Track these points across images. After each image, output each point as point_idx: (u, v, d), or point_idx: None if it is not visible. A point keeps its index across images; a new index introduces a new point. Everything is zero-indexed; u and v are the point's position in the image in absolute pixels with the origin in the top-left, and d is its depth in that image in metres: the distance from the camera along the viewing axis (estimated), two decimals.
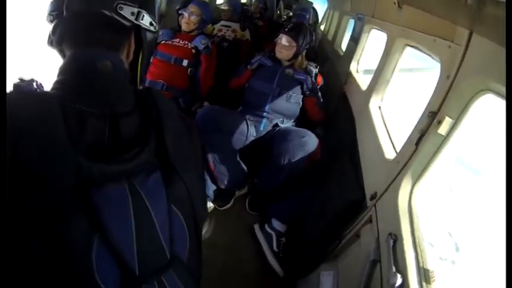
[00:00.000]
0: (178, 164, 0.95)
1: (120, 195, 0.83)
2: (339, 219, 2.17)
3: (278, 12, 8.24)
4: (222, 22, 4.59)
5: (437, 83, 1.61)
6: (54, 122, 0.78)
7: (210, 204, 2.97)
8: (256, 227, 2.82)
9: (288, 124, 3.23)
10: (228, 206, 3.06)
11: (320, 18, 8.11)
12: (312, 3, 8.53)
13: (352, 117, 2.85)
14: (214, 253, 2.62)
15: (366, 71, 3.33)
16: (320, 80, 3.30)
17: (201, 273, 1.10)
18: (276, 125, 3.18)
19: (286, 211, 2.80)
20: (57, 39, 0.98)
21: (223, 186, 2.97)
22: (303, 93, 3.20)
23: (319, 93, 3.26)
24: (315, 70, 3.25)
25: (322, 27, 8.10)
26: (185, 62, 3.34)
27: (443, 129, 1.45)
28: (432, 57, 1.84)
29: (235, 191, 3.13)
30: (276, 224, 2.76)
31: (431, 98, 1.63)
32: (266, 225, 2.78)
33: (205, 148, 2.82)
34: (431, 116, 1.54)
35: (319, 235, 2.35)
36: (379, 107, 2.58)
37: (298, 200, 2.81)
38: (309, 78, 3.18)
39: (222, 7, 5.02)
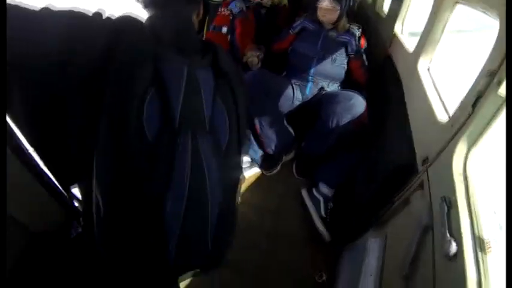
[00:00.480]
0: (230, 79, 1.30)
1: (180, 68, 1.17)
2: (388, 183, 2.12)
3: None
4: None
5: (497, 39, 1.49)
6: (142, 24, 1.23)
7: (257, 170, 3.00)
8: (304, 191, 2.84)
9: (333, 87, 3.15)
10: (276, 171, 3.08)
11: None
12: None
13: (399, 80, 2.74)
14: (262, 218, 2.70)
15: (411, 34, 3.19)
16: (364, 42, 3.18)
17: (237, 187, 1.46)
18: (322, 88, 3.11)
19: (334, 175, 2.80)
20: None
21: (270, 151, 3.00)
22: (347, 55, 3.10)
23: (364, 56, 3.15)
24: (358, 32, 3.14)
25: None
26: (224, 29, 3.32)
27: (503, 89, 1.37)
28: (487, 14, 1.72)
29: (283, 155, 3.14)
30: (324, 188, 2.76)
31: (489, 56, 1.49)
32: (314, 190, 2.79)
33: (253, 111, 2.86)
34: (490, 76, 1.45)
35: (367, 200, 2.34)
36: (428, 69, 2.48)
37: (346, 164, 2.80)
38: (353, 40, 3.07)
39: None
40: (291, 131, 3.05)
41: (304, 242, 2.57)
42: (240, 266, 2.39)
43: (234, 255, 2.43)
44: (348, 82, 3.23)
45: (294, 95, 3.07)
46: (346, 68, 3.15)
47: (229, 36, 3.33)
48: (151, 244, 1.17)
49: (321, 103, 2.92)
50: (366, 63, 3.17)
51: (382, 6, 4.01)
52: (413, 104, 2.35)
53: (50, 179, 1.98)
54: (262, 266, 2.42)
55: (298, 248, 2.54)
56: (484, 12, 1.72)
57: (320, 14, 3.06)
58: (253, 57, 3.20)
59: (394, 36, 3.13)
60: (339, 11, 3.00)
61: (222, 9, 3.35)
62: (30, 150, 1.84)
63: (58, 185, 2.05)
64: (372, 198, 2.29)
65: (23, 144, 1.80)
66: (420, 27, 2.51)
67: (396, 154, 2.23)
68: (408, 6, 3.17)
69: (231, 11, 3.32)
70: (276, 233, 2.61)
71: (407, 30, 3.13)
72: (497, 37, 1.48)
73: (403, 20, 3.15)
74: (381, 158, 2.44)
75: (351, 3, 3.07)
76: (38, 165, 1.88)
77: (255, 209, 2.76)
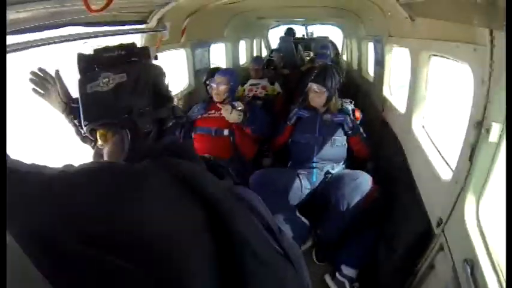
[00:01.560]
0: None
1: None
2: (410, 252, 2.03)
3: (299, 56, 8.28)
4: (251, 81, 4.61)
5: (474, 90, 1.50)
6: None
7: None
8: (327, 277, 2.70)
9: (338, 168, 3.16)
10: None
11: (340, 49, 8.12)
12: (327, 37, 8.60)
13: (398, 144, 2.74)
14: None
15: (401, 87, 3.23)
16: (358, 114, 3.26)
17: None
18: (328, 172, 3.11)
19: (355, 255, 2.68)
20: None
21: None
22: (345, 134, 3.14)
23: (361, 129, 3.19)
24: (351, 106, 3.23)
25: (344, 57, 8.07)
26: (226, 132, 3.33)
27: (494, 137, 1.34)
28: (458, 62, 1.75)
29: (300, 245, 3.00)
30: (347, 270, 2.63)
31: (472, 108, 1.51)
32: (337, 274, 2.66)
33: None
34: (478, 127, 1.43)
35: (391, 273, 2.22)
36: (423, 126, 2.47)
37: (365, 242, 2.70)
38: (348, 118, 3.14)
39: (251, 67, 5.08)
40: (305, 221, 2.99)
41: None
42: None
43: None
44: (351, 158, 3.25)
45: (302, 185, 3.06)
46: (346, 146, 3.18)
47: (231, 138, 3.35)
48: None
49: (329, 188, 2.91)
50: (364, 135, 3.19)
51: (367, 70, 4.12)
52: (416, 165, 2.35)
53: None
54: None
55: None
56: (456, 61, 1.74)
57: (310, 99, 3.17)
58: (234, 114, 3.18)
59: (385, 99, 3.16)
60: (326, 93, 3.11)
61: (214, 112, 3.42)
62: None
63: None
64: (394, 272, 2.18)
65: None
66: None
67: (411, 220, 2.17)
68: (390, 69, 3.24)
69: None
70: None
71: (395, 86, 3.17)
72: (474, 88, 1.49)
73: (389, 82, 3.20)
74: (397, 228, 2.37)
75: (338, 82, 3.17)
76: None
77: None
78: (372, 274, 2.52)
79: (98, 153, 1.12)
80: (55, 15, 1.74)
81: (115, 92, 1.02)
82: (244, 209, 0.91)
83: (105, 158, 1.08)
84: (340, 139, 3.13)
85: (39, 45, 1.84)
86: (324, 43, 6.44)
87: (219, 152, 3.25)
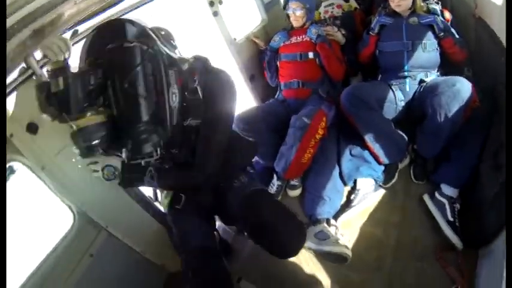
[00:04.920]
0: None
1: None
2: None
3: None
4: (324, 3, 4.32)
5: None
6: None
7: (383, 191, 2.85)
8: (426, 197, 2.60)
9: (433, 76, 2.91)
10: (393, 181, 2.87)
11: None
12: None
13: (499, 43, 2.37)
14: (386, 233, 2.55)
15: None
16: (448, 16, 2.93)
17: None
18: (422, 81, 2.90)
19: (455, 173, 2.53)
20: None
21: (387, 161, 2.85)
22: (436, 37, 2.85)
23: (454, 30, 2.86)
24: (438, 6, 2.91)
25: None
26: (311, 54, 3.30)
27: None
28: None
29: (398, 163, 2.93)
30: (446, 189, 2.51)
31: None
32: (436, 193, 2.55)
33: (360, 128, 2.79)
34: None
35: (497, 192, 2.06)
36: None
37: (466, 158, 2.51)
38: (437, 18, 2.83)
39: None
40: (402, 134, 2.87)
41: (433, 253, 2.33)
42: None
43: (361, 276, 2.38)
44: (446, 65, 2.98)
45: (396, 97, 2.92)
46: (439, 50, 2.90)
47: (317, 60, 3.30)
48: None
49: (425, 98, 2.70)
50: (458, 37, 2.88)
51: None
52: None
53: None
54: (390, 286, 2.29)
55: (428, 260, 2.31)
56: None
57: (394, 5, 2.92)
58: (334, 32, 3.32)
59: None
60: None
61: (296, 37, 3.41)
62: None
63: None
64: (500, 192, 2.01)
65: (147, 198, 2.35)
66: None
67: None
68: None
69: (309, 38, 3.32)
70: (402, 246, 2.44)
71: None
72: None
73: None
74: (503, 142, 2.14)
75: None
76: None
77: (378, 223, 2.62)
78: (474, 194, 2.38)
79: None
80: None
81: None
82: None
83: None
84: (431, 43, 2.87)
85: None
86: None
87: (307, 75, 3.31)
